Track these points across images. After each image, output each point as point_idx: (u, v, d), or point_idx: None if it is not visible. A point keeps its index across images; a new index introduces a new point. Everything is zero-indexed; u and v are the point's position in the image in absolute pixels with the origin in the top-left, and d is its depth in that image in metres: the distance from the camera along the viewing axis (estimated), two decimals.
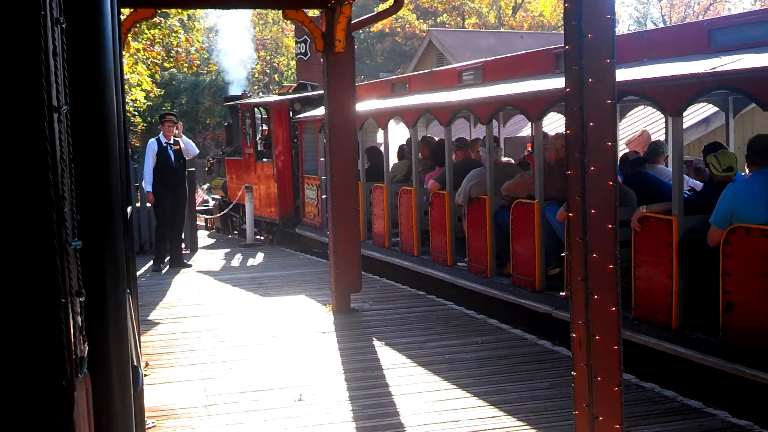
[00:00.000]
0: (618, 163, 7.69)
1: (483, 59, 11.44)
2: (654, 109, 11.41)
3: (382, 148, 11.75)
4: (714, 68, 5.79)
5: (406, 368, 6.25)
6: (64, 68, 1.43)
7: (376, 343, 7.08)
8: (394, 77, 16.18)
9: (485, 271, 8.66)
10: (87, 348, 1.40)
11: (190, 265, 11.95)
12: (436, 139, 11.36)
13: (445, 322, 7.81)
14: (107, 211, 1.35)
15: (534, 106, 7.91)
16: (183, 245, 13.59)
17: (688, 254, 6.07)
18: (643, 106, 11.79)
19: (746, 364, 5.40)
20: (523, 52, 11.09)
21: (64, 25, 1.43)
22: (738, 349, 5.52)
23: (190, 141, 12.46)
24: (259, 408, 5.40)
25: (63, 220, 1.31)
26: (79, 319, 1.39)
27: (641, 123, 13.91)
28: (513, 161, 10.21)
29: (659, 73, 6.44)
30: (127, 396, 1.39)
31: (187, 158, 12.16)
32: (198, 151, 12.78)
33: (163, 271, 11.60)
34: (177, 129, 11.85)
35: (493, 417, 5.10)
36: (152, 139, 11.95)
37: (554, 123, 13.79)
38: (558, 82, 7.44)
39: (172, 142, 11.62)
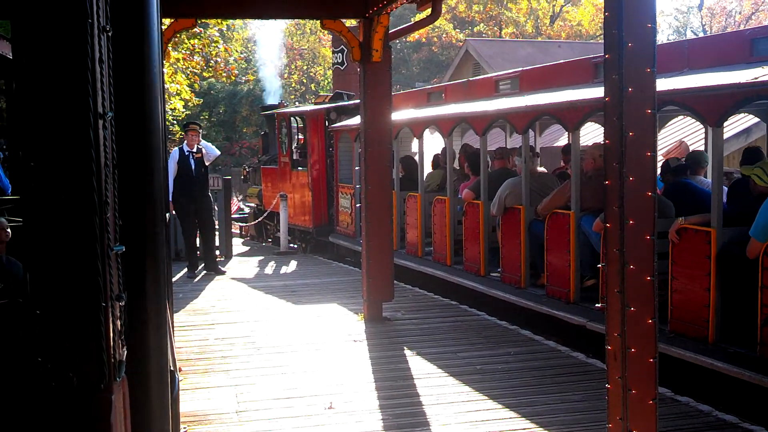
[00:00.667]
0: (659, 170, 7.62)
1: (520, 68, 11.40)
2: (693, 120, 11.27)
3: (416, 157, 11.76)
4: (756, 78, 5.71)
5: (437, 378, 6.23)
6: (109, 75, 1.45)
7: (407, 352, 7.07)
8: (430, 87, 16.20)
9: (519, 282, 8.63)
10: (125, 352, 1.42)
11: (224, 272, 12.02)
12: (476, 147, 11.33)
13: (477, 332, 7.77)
14: (150, 216, 1.37)
15: (571, 116, 7.87)
16: (218, 252, 13.72)
17: (726, 267, 5.99)
18: (682, 117, 11.64)
19: None
20: (561, 61, 11.03)
21: (110, 33, 1.46)
22: None
23: (209, 144, 12.47)
24: (290, 415, 5.41)
25: (105, 225, 1.33)
26: (118, 323, 1.41)
27: (680, 133, 13.74)
28: (547, 171, 10.14)
29: (699, 82, 6.36)
30: (165, 400, 1.40)
31: (208, 162, 12.17)
32: (218, 152, 12.75)
33: (197, 279, 11.70)
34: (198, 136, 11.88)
35: (524, 429, 5.06)
36: (175, 148, 12.06)
37: (591, 133, 13.69)
38: (596, 92, 7.46)
39: (194, 150, 11.65)
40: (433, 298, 9.69)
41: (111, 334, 1.35)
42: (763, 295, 5.55)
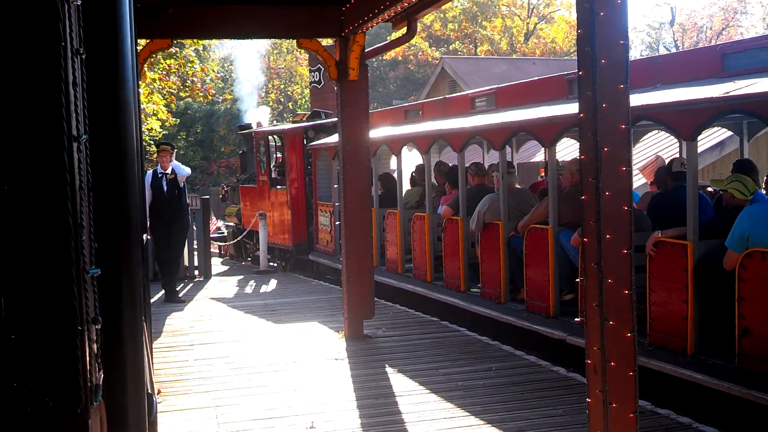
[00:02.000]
0: (657, 172, 7.63)
1: (495, 86, 11.49)
2: (668, 134, 11.40)
3: (395, 175, 11.79)
4: (728, 92, 5.79)
5: (418, 395, 6.22)
6: (83, 98, 1.45)
7: (388, 369, 7.05)
8: (407, 104, 16.28)
9: (499, 297, 8.66)
10: (102, 375, 1.41)
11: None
12: (450, 165, 11.39)
13: (459, 348, 7.77)
14: (125, 239, 1.36)
15: (547, 132, 7.93)
16: (197, 272, 13.63)
17: (704, 279, 6.04)
18: (656, 131, 11.78)
19: (763, 390, 5.35)
20: (536, 78, 11.14)
21: (83, 56, 1.46)
22: (755, 375, 5.47)
23: (178, 164, 12.14)
24: None
25: (81, 248, 1.32)
26: (95, 346, 1.39)
27: (654, 148, 13.89)
28: (525, 187, 10.21)
29: (673, 97, 6.44)
30: (143, 424, 1.39)
31: (182, 182, 11.89)
32: (189, 171, 12.36)
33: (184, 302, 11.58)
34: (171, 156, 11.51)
35: None
36: (149, 171, 11.60)
37: (568, 148, 13.80)
38: (571, 108, 7.43)
39: (168, 171, 11.28)
40: (413, 314, 9.69)
41: (87, 358, 1.34)
42: (741, 306, 5.60)
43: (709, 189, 7.98)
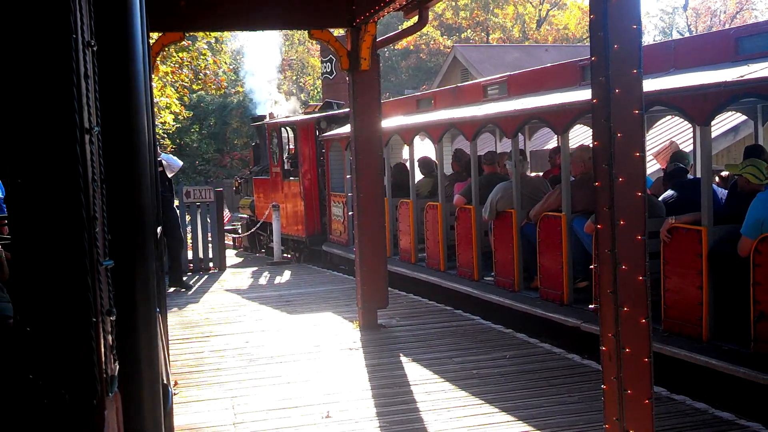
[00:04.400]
0: (670, 159, 7.58)
1: (507, 73, 11.44)
2: (681, 119, 11.33)
3: (408, 164, 11.78)
4: (742, 76, 5.74)
5: (433, 384, 6.23)
6: (95, 90, 1.45)
7: (403, 359, 7.07)
8: (419, 93, 16.24)
9: (512, 285, 8.65)
10: (117, 367, 1.41)
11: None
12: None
13: (473, 337, 7.77)
14: (139, 231, 1.37)
15: (559, 119, 7.90)
16: (212, 264, 13.69)
17: (718, 264, 6.01)
18: (670, 116, 11.71)
19: None
20: (548, 65, 11.07)
21: (95, 48, 1.46)
22: None
23: (170, 155, 12.38)
24: (286, 426, 5.40)
25: (94, 240, 1.33)
26: (109, 338, 1.40)
27: (669, 133, 13.80)
28: (537, 174, 10.18)
29: (686, 82, 6.39)
30: (158, 414, 1.40)
31: (171, 174, 12.05)
32: (181, 163, 12.57)
33: (191, 292, 11.66)
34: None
35: None
36: None
37: (580, 135, 13.73)
38: (583, 95, 7.50)
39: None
40: (427, 303, 9.69)
41: (102, 350, 1.34)
42: (756, 291, 5.57)
43: (723, 174, 7.93)
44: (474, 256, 9.43)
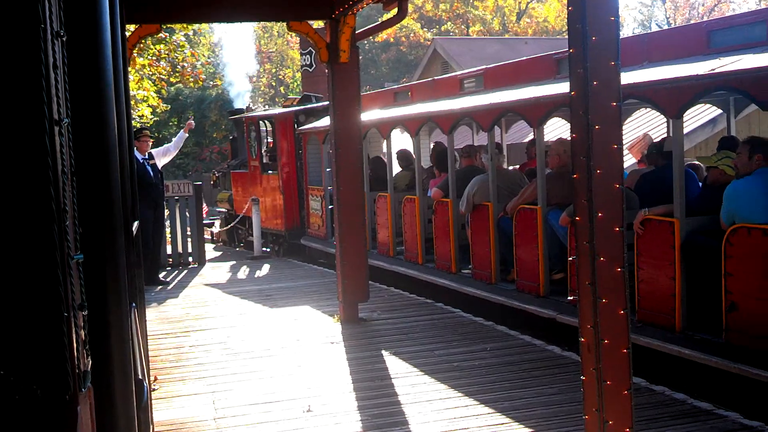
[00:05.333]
0: (648, 150, 7.64)
1: (484, 67, 11.47)
2: (656, 113, 11.41)
3: (386, 157, 11.78)
4: (713, 69, 5.80)
5: (414, 377, 6.23)
6: (65, 81, 1.43)
7: (384, 352, 7.07)
8: (396, 86, 16.23)
9: (489, 278, 8.71)
10: (90, 362, 1.39)
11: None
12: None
13: (453, 330, 7.79)
14: (109, 223, 1.35)
15: (535, 112, 7.93)
16: (191, 258, 13.63)
17: (691, 256, 6.09)
18: (645, 110, 11.78)
19: (750, 363, 5.42)
20: (524, 58, 11.11)
21: (64, 39, 1.43)
22: (742, 349, 5.54)
23: (160, 148, 12.66)
24: (268, 420, 5.38)
25: (65, 233, 1.31)
26: (82, 332, 1.38)
27: (643, 126, 13.88)
28: (514, 168, 10.24)
29: (659, 75, 6.44)
30: (131, 410, 1.38)
31: (169, 159, 12.27)
32: (173, 147, 12.86)
33: (170, 287, 11.61)
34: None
35: (502, 424, 5.07)
36: None
37: (559, 129, 13.79)
38: (559, 88, 7.59)
39: (147, 157, 11.49)
40: (408, 297, 9.70)
41: (75, 344, 1.32)
42: (727, 282, 5.66)
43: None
44: (451, 249, 9.47)
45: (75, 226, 1.40)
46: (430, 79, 13.34)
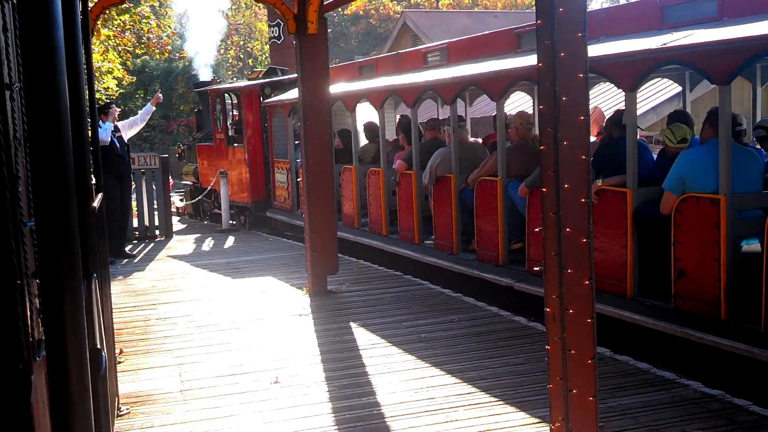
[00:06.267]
0: (606, 122, 7.76)
1: (447, 41, 11.49)
2: (610, 86, 11.56)
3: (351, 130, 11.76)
4: (665, 44, 5.92)
5: (382, 348, 6.26)
6: (16, 45, 1.39)
7: (352, 324, 7.08)
8: (361, 60, 16.11)
9: (451, 248, 8.88)
10: (44, 331, 1.37)
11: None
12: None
13: (422, 301, 7.83)
14: (62, 189, 1.32)
15: (496, 86, 8.04)
16: (158, 231, 13.51)
17: (643, 225, 6.29)
18: (600, 84, 11.89)
19: (696, 328, 5.67)
20: (486, 32, 11.15)
21: (15, 1, 1.39)
22: (689, 315, 5.78)
23: (126, 120, 12.61)
24: (235, 392, 5.38)
25: (17, 200, 1.28)
26: (36, 301, 1.36)
27: (596, 101, 13.99)
28: (480, 140, 10.32)
29: (614, 50, 6.56)
30: (86, 379, 1.36)
31: (135, 131, 12.38)
32: (139, 119, 12.76)
33: (137, 260, 11.52)
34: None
35: (468, 393, 5.12)
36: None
37: (526, 103, 13.84)
38: (520, 62, 7.69)
39: (114, 129, 11.38)
40: (377, 269, 9.72)
41: (28, 313, 1.30)
42: (676, 250, 5.89)
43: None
44: (415, 221, 9.62)
45: (28, 193, 1.37)
46: (394, 52, 13.30)
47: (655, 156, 7.14)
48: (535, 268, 7.30)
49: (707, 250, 5.63)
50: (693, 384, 5.17)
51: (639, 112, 13.99)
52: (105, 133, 10.91)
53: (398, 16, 35.67)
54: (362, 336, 6.67)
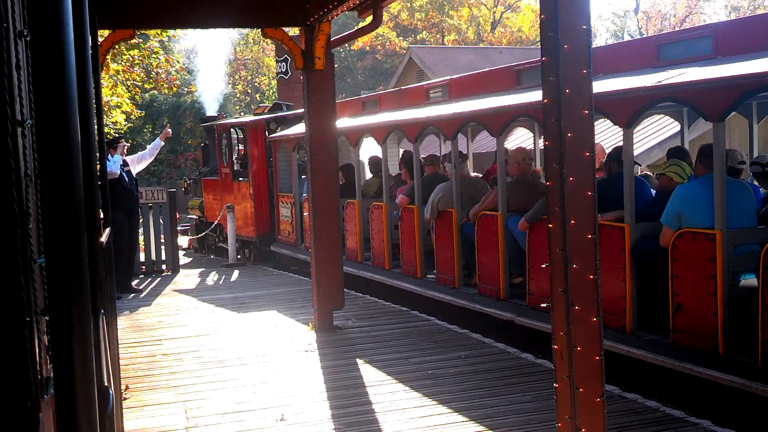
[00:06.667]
0: (606, 158, 7.83)
1: (449, 77, 11.71)
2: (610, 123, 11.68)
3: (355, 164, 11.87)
4: (660, 81, 6.05)
5: (388, 385, 6.21)
6: (28, 82, 1.40)
7: (358, 360, 7.04)
8: (365, 96, 16.31)
9: (453, 282, 8.94)
10: (52, 368, 1.36)
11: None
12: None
13: (428, 337, 7.78)
14: (72, 226, 1.32)
15: (496, 122, 8.19)
16: (164, 266, 13.51)
17: (641, 259, 6.35)
18: (600, 121, 11.98)
19: (693, 362, 5.71)
20: (487, 69, 11.34)
21: (28, 39, 1.40)
22: (687, 349, 5.83)
23: (135, 155, 12.64)
24: (241, 429, 5.33)
25: (27, 236, 1.28)
26: (44, 338, 1.35)
27: (599, 137, 14.04)
28: (481, 175, 10.45)
29: (611, 87, 6.66)
30: (94, 417, 1.35)
31: (144, 166, 12.45)
32: (148, 154, 12.79)
33: (143, 294, 11.50)
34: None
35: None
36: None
37: (529, 139, 13.96)
38: (519, 98, 7.85)
39: (123, 163, 11.44)
40: (384, 305, 9.69)
41: (37, 350, 1.29)
42: (674, 284, 5.95)
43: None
44: (417, 255, 9.70)
45: (38, 229, 1.37)
46: (397, 88, 13.51)
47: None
48: (542, 305, 7.28)
49: (704, 285, 5.69)
50: (703, 423, 5.10)
51: (644, 147, 14.08)
52: (114, 166, 10.97)
53: (404, 51, 36.02)
54: (369, 372, 6.62)
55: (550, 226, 3.93)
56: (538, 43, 4.13)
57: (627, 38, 49.75)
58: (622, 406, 5.43)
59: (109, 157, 11.11)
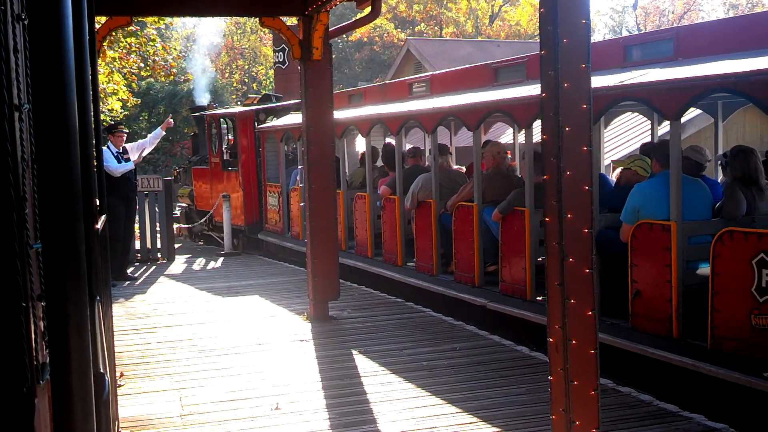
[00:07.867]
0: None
1: (430, 73, 12.06)
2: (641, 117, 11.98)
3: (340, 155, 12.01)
4: (622, 82, 6.40)
5: (383, 376, 6.22)
6: (26, 66, 1.39)
7: (353, 350, 7.04)
8: (350, 89, 16.38)
9: (431, 270, 9.30)
10: (48, 354, 1.36)
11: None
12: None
13: (423, 329, 7.79)
14: (69, 212, 1.31)
15: (472, 116, 8.50)
16: (159, 255, 13.50)
17: (603, 248, 6.54)
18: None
19: (649, 344, 6.05)
20: (466, 66, 11.60)
21: (26, 22, 1.39)
22: (643, 333, 6.15)
23: (135, 143, 12.59)
24: (235, 417, 5.33)
25: (24, 221, 1.27)
26: (41, 324, 1.35)
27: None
28: (464, 169, 10.59)
29: None
30: (89, 403, 1.34)
31: (150, 149, 12.44)
32: (147, 143, 12.70)
33: (138, 282, 11.49)
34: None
35: (470, 423, 5.08)
36: (103, 148, 11.80)
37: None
38: (495, 94, 8.30)
39: (121, 150, 11.42)
40: (379, 296, 9.70)
41: (33, 336, 1.29)
42: (633, 272, 6.24)
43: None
44: (398, 243, 10.04)
45: (35, 214, 1.36)
46: (381, 83, 13.81)
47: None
48: (538, 298, 7.35)
49: (660, 273, 6.02)
50: (696, 417, 5.12)
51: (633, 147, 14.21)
52: (110, 161, 10.96)
53: (402, 43, 35.94)
54: (363, 363, 6.62)
55: (547, 219, 3.94)
56: (536, 37, 4.12)
57: (625, 34, 49.75)
58: (616, 400, 5.45)
59: (110, 146, 11.12)
